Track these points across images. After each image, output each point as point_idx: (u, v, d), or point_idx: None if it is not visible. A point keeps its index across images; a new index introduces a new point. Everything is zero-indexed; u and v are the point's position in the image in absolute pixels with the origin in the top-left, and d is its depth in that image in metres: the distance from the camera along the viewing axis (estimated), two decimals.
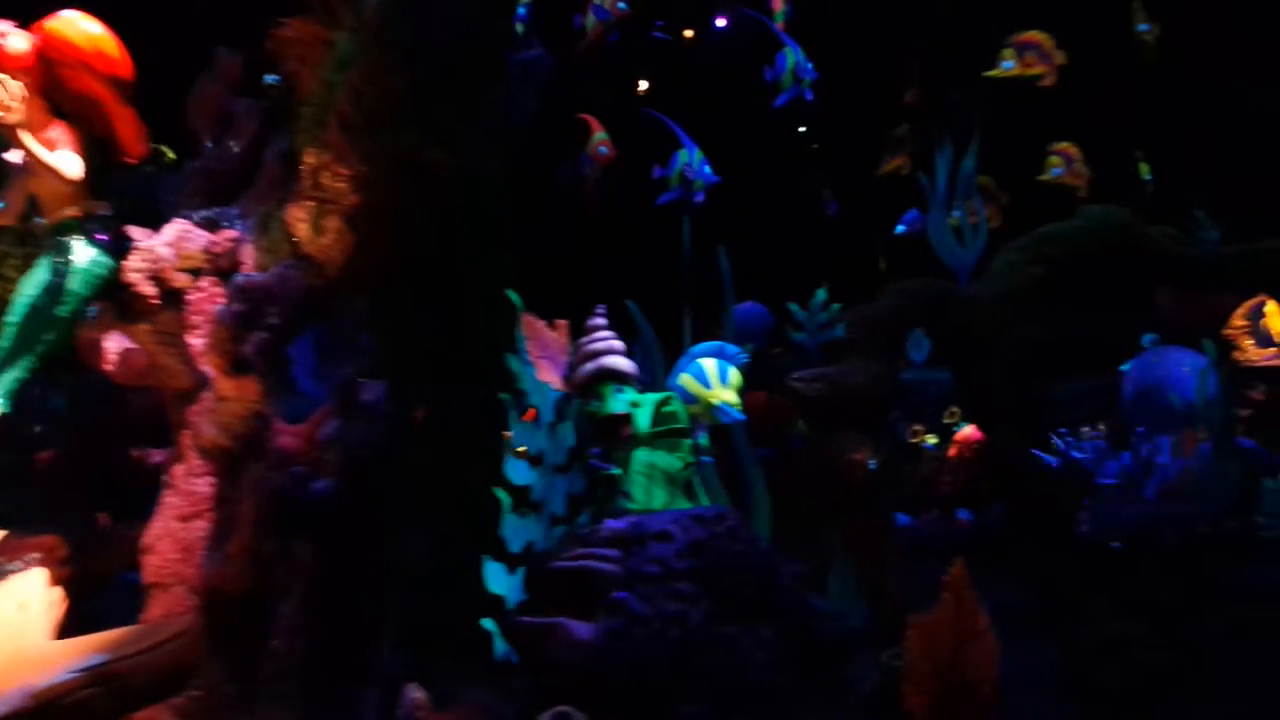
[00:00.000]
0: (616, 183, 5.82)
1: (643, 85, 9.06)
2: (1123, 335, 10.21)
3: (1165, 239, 5.29)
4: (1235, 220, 5.75)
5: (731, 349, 3.64)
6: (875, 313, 4.34)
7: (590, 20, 5.83)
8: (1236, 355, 10.96)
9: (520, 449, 3.72)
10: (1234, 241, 5.69)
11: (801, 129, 7.99)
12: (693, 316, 4.19)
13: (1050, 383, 11.83)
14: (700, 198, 5.27)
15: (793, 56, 5.24)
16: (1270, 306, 10.66)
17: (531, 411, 3.95)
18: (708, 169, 5.28)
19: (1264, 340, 10.85)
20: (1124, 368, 9.29)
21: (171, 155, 5.18)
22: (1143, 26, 5.06)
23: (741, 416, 3.52)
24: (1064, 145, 5.47)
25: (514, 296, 3.85)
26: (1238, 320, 11.00)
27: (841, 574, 4.43)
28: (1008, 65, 5.27)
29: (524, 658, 2.94)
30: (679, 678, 2.75)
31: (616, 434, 3.25)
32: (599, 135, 5.62)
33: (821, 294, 4.33)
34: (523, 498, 3.77)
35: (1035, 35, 5.31)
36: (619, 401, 3.26)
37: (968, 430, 9.30)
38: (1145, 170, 5.71)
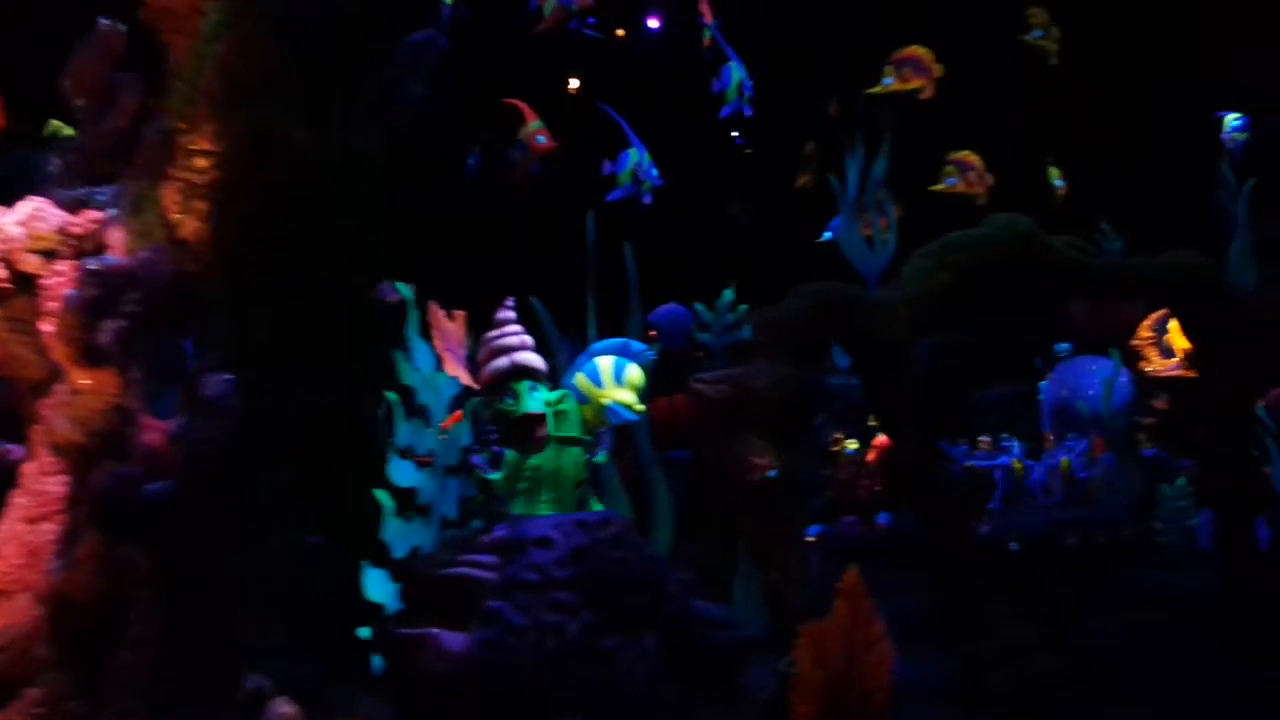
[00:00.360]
0: (551, 174, 5.67)
1: (573, 83, 8.93)
2: (1043, 344, 10.47)
3: (1069, 249, 5.36)
4: (1140, 231, 5.89)
5: (636, 346, 3.53)
6: (781, 315, 4.29)
7: (550, 3, 5.65)
8: (1142, 365, 11.33)
9: (405, 449, 3.57)
10: (1137, 252, 5.81)
11: (735, 134, 7.96)
12: (597, 315, 4.08)
13: (974, 389, 12.13)
14: (648, 199, 5.17)
15: (737, 73, 5.17)
16: (1174, 322, 11.03)
17: (458, 414, 3.79)
18: (655, 171, 5.20)
19: (1167, 352, 11.23)
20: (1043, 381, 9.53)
21: (69, 131, 4.87)
22: (1037, 33, 5.13)
23: (634, 417, 3.42)
24: (962, 154, 5.50)
25: (403, 289, 3.69)
26: (1143, 332, 11.36)
27: (745, 580, 4.38)
28: (887, 81, 5.31)
29: (396, 669, 2.80)
30: (555, 691, 2.64)
31: (532, 434, 3.12)
32: (535, 124, 5.46)
33: (728, 294, 4.26)
34: (409, 501, 3.62)
35: (915, 50, 5.34)
36: (535, 400, 3.13)
37: (884, 437, 9.37)
38: (1055, 174, 5.78)
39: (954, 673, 4.48)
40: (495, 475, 3.03)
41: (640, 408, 3.48)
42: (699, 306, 4.34)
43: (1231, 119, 9.79)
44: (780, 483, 3.96)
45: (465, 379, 3.15)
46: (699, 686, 3.28)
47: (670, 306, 9.35)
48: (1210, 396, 5.86)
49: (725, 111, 5.20)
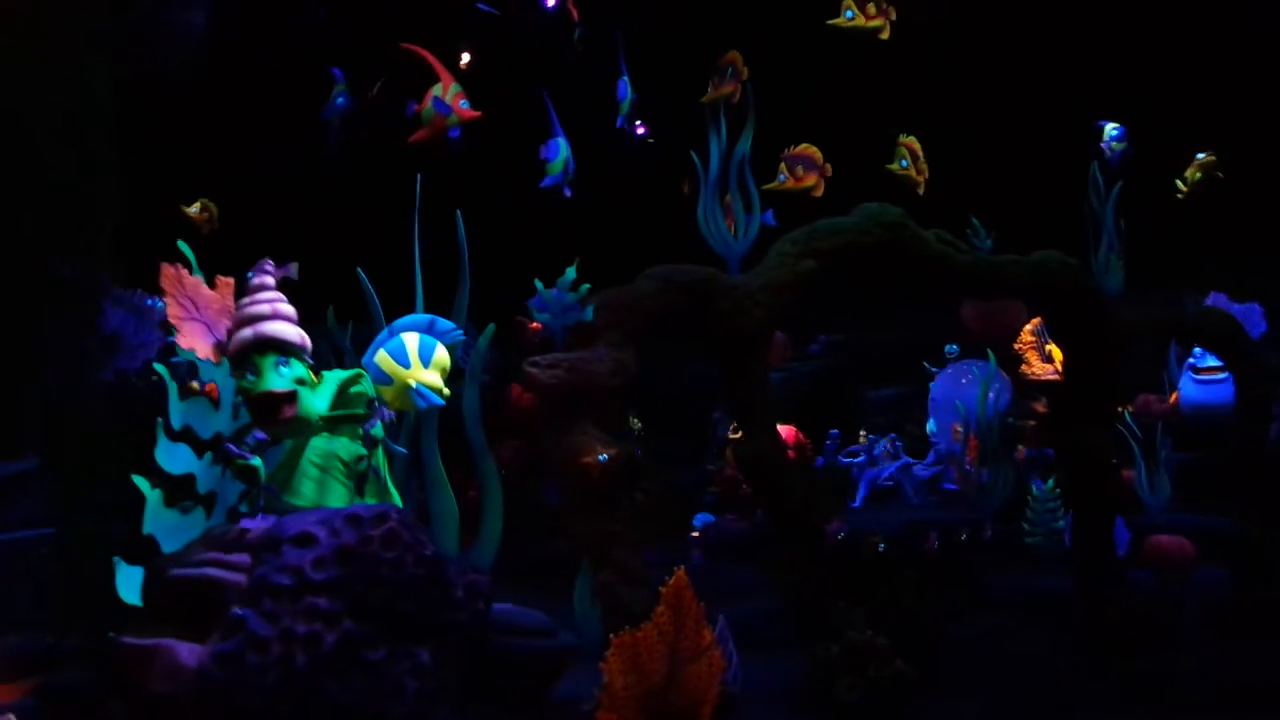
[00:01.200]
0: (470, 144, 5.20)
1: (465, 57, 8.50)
2: (933, 344, 10.51)
3: (937, 242, 5.22)
4: (1009, 228, 5.81)
5: (444, 324, 3.17)
6: (626, 296, 3.98)
7: None
8: (1024, 369, 11.50)
9: (182, 430, 3.13)
10: (1005, 249, 5.73)
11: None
12: (423, 288, 3.69)
13: (864, 388, 12.15)
14: (569, 193, 4.80)
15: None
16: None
17: (211, 386, 3.35)
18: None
19: (1047, 357, 11.43)
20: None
21: None
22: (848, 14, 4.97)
23: (440, 401, 3.06)
24: (801, 148, 5.32)
25: (184, 248, 3.24)
26: (1025, 336, 11.55)
27: (582, 583, 4.07)
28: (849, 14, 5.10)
29: (120, 685, 2.38)
30: (303, 713, 2.27)
31: (275, 415, 2.71)
32: (455, 87, 4.97)
33: (571, 273, 3.94)
34: (184, 489, 3.18)
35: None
36: (280, 377, 2.72)
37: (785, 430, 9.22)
38: (902, 154, 5.59)
39: (803, 679, 4.28)
40: (254, 461, 2.62)
41: (447, 391, 3.12)
42: (537, 285, 4.01)
43: (1110, 128, 10.00)
44: (614, 475, 3.65)
45: (203, 351, 2.73)
46: (504, 701, 2.95)
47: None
48: (1074, 399, 5.83)
49: (619, 122, 4.87)
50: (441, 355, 3.09)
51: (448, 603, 2.56)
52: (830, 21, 5.25)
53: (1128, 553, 7.60)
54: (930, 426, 9.13)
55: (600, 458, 3.59)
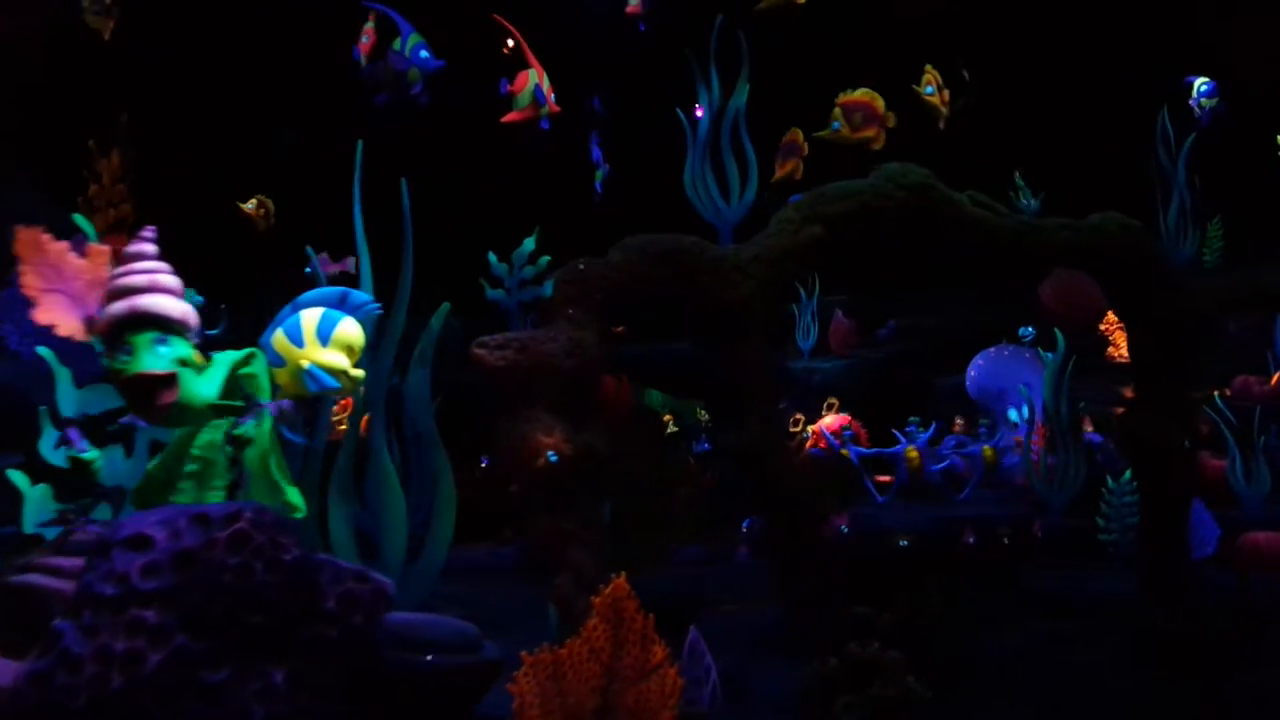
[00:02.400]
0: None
1: None
2: (1004, 328, 9.77)
3: (972, 204, 4.64)
4: (1059, 189, 5.16)
5: (360, 297, 2.84)
6: (591, 269, 3.59)
7: None
8: (1111, 351, 10.62)
9: (74, 419, 2.88)
10: (1056, 212, 5.09)
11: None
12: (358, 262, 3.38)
13: (935, 375, 11.46)
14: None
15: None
16: None
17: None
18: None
19: None
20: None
21: None
22: None
23: (335, 384, 2.73)
24: (860, 94, 4.75)
25: (81, 221, 3.00)
26: (1112, 315, 10.65)
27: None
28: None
29: None
30: None
31: (150, 399, 2.43)
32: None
33: (529, 244, 3.56)
34: (78, 480, 2.93)
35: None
36: (157, 358, 2.43)
37: (827, 420, 8.70)
38: (929, 81, 4.96)
39: (801, 697, 3.81)
40: (91, 454, 2.35)
41: (357, 373, 2.78)
42: (491, 257, 3.65)
43: (1200, 83, 9.05)
44: (570, 467, 3.26)
45: (66, 327, 2.46)
46: None
47: None
48: (1141, 381, 5.16)
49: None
50: (346, 333, 2.76)
51: (313, 615, 2.22)
52: (816, 134, 4.77)
53: (1216, 551, 6.82)
54: (1011, 414, 8.43)
55: (550, 457, 3.20)
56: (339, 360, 2.72)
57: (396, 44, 4.20)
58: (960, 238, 4.67)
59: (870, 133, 4.75)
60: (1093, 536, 7.07)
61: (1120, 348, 10.81)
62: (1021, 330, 9.71)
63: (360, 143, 3.39)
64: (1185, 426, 4.95)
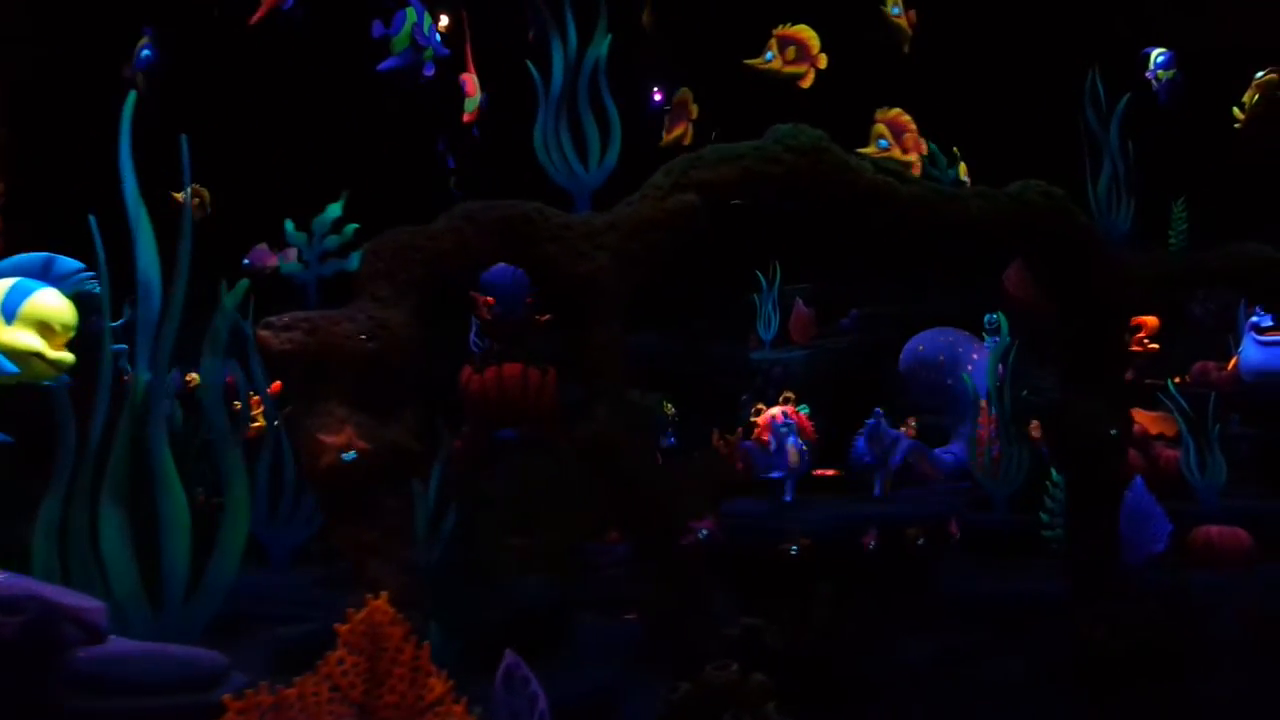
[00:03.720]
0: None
1: None
2: (972, 317, 9.34)
3: (878, 170, 4.19)
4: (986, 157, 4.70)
5: (67, 265, 2.37)
6: (409, 238, 3.12)
7: None
8: None
9: None
10: (978, 181, 4.63)
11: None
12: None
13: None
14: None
15: (413, 15, 3.96)
16: None
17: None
18: (438, 37, 3.99)
19: None
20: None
21: None
22: None
23: (13, 369, 2.27)
24: (797, 29, 4.29)
25: None
26: None
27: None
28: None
29: None
30: None
31: None
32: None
33: (334, 209, 3.10)
34: None
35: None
36: None
37: (772, 412, 8.29)
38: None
39: None
40: None
41: (58, 356, 2.31)
42: (288, 226, 3.18)
43: (1157, 54, 8.61)
44: (368, 470, 2.80)
45: None
46: None
47: (507, 266, 8.16)
48: (1069, 365, 4.71)
49: (387, 64, 3.98)
50: (42, 306, 2.29)
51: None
52: (748, 61, 4.34)
53: (1167, 547, 6.40)
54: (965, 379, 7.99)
55: (346, 456, 2.74)
56: (28, 340, 2.25)
57: (412, 15, 3.71)
58: (859, 207, 4.22)
59: (801, 69, 4.30)
60: (1036, 533, 6.66)
61: None
62: (987, 318, 9.31)
63: (132, 94, 2.90)
64: (1116, 415, 4.51)
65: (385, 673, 2.28)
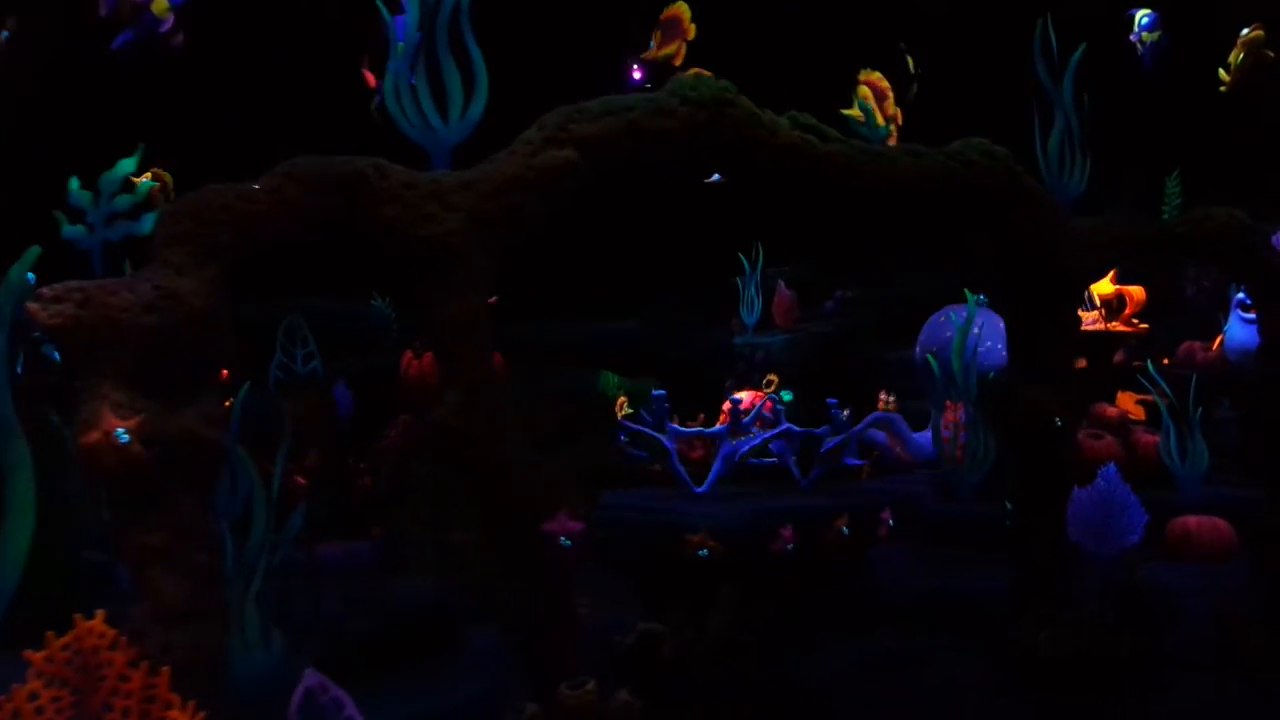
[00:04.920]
0: None
1: None
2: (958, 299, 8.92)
3: (793, 127, 3.76)
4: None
5: None
6: (215, 199, 2.72)
7: None
8: None
9: None
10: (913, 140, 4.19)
11: None
12: None
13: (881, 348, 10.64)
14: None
15: None
16: None
17: None
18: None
19: (1089, 302, 9.63)
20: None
21: None
22: None
23: None
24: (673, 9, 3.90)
25: None
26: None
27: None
28: None
29: None
30: None
31: None
32: None
33: (126, 165, 2.70)
34: None
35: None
36: None
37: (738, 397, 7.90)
38: None
39: None
40: None
41: None
42: (73, 184, 2.79)
43: (1141, 15, 8.12)
44: (151, 461, 2.42)
45: None
46: None
47: None
48: (1015, 344, 4.28)
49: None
50: None
51: None
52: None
53: (1143, 538, 5.97)
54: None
55: (118, 436, 2.36)
56: None
57: None
58: (772, 167, 3.79)
59: (671, 48, 3.94)
60: (1000, 524, 6.23)
61: (1082, 316, 9.97)
62: (979, 297, 8.91)
63: None
64: (1064, 399, 4.07)
65: (102, 707, 1.91)
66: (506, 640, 2.99)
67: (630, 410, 10.30)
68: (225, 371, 6.37)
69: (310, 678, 2.45)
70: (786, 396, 10.51)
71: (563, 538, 2.84)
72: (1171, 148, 8.95)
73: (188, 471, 2.56)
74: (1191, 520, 6.08)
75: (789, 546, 3.67)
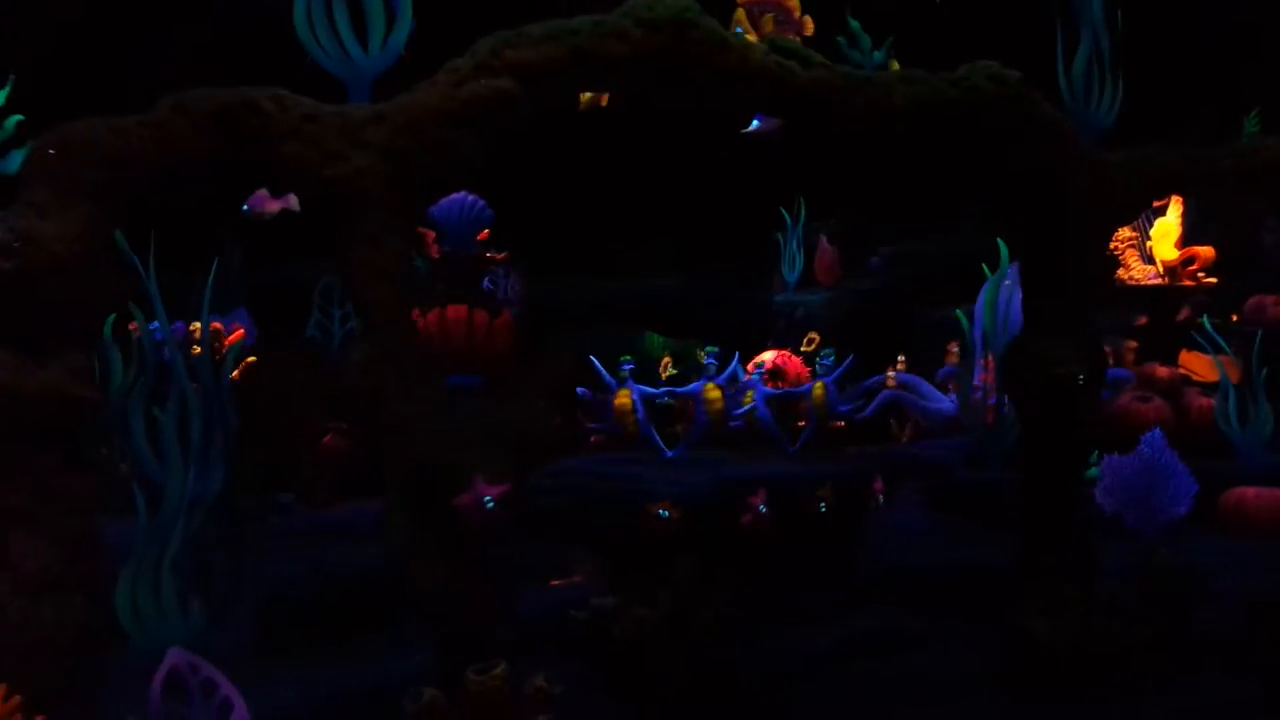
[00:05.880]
0: None
1: None
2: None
3: (769, 51, 3.35)
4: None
5: None
6: (88, 133, 2.48)
7: None
8: (1120, 275, 9.07)
9: None
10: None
11: None
12: None
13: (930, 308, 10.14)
14: None
15: None
16: (1158, 229, 8.68)
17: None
18: None
19: (1149, 257, 8.96)
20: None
21: None
22: None
23: None
24: None
25: None
26: (1124, 232, 9.07)
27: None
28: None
29: None
30: None
31: None
32: None
33: None
34: None
35: None
36: None
37: (764, 357, 7.58)
38: None
39: None
40: None
41: None
42: None
43: None
44: (11, 417, 2.22)
45: None
46: None
47: (459, 196, 7.51)
48: (1031, 293, 3.82)
49: None
50: None
51: None
52: None
53: (1191, 511, 5.44)
54: None
55: None
56: None
57: None
58: (745, 97, 3.40)
59: None
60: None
61: (1131, 269, 9.28)
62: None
63: None
64: (1083, 353, 3.62)
65: None
66: (417, 617, 2.74)
67: (674, 371, 10.01)
68: (240, 331, 6.28)
69: (175, 656, 2.23)
70: (828, 356, 10.03)
71: (486, 498, 2.57)
72: (1250, 84, 8.17)
73: (51, 429, 2.35)
74: (1249, 492, 5.52)
75: (761, 516, 3.34)
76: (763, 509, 3.37)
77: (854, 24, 3.71)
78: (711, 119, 3.72)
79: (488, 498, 2.61)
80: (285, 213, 7.08)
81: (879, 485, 3.72)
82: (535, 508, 3.69)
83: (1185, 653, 3.33)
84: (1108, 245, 3.82)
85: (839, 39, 3.68)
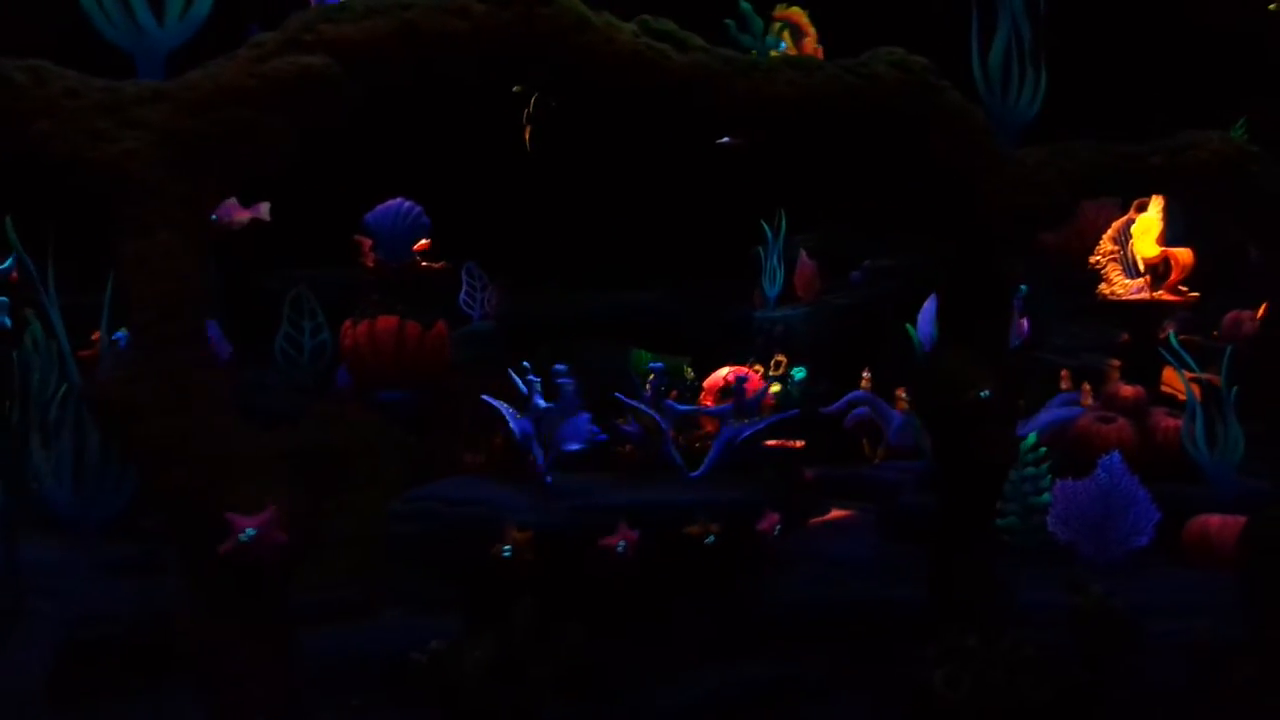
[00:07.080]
0: None
1: None
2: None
3: (628, 31, 3.01)
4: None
5: None
6: None
7: None
8: (1102, 289, 8.67)
9: None
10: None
11: None
12: None
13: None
14: None
15: None
16: (1140, 225, 8.30)
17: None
18: None
19: (1134, 270, 8.58)
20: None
21: None
22: None
23: None
24: None
25: None
26: (1105, 245, 8.69)
27: None
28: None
29: None
30: None
31: None
32: None
33: None
34: None
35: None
36: None
37: (720, 374, 7.23)
38: None
39: None
40: None
41: None
42: None
43: None
44: None
45: None
46: None
47: (395, 203, 7.19)
48: (947, 305, 3.44)
49: None
50: None
51: None
52: None
53: (1152, 541, 5.01)
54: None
55: None
56: None
57: None
58: (610, 83, 3.05)
59: None
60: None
61: (1113, 284, 8.90)
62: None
63: None
64: (994, 366, 3.23)
65: None
66: (187, 672, 2.38)
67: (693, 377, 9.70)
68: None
69: None
70: (798, 375, 9.62)
71: (247, 530, 2.22)
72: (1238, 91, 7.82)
73: None
74: (1213, 520, 5.08)
75: (620, 551, 2.97)
76: (621, 545, 2.99)
77: (745, 5, 3.37)
78: (693, 132, 3.42)
79: (248, 530, 2.26)
80: (255, 222, 6.79)
81: (774, 518, 3.33)
82: (392, 536, 3.34)
83: (1101, 715, 2.92)
84: (1027, 250, 3.43)
85: (727, 21, 3.34)
